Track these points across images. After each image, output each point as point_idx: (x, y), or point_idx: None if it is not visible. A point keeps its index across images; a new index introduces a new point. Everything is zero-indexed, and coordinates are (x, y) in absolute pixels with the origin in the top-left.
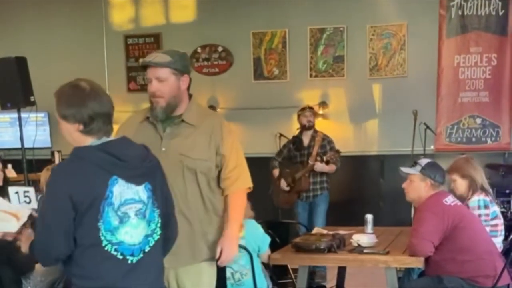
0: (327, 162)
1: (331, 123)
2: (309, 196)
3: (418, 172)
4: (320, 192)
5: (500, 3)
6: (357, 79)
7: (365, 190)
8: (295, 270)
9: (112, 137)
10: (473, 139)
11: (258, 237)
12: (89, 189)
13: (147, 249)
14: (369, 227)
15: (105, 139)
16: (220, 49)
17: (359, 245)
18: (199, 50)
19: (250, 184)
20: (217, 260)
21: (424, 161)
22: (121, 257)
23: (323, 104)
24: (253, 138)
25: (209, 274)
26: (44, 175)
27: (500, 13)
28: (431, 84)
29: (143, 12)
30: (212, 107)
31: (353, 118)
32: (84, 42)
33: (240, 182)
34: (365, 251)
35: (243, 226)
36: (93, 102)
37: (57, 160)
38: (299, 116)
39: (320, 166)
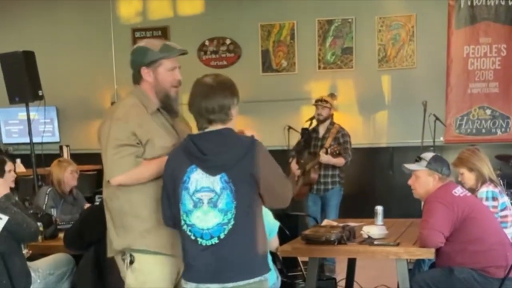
0: (333, 154)
1: (340, 115)
2: (320, 189)
3: (425, 168)
4: (332, 186)
5: None
6: (366, 71)
7: (375, 182)
8: (305, 263)
9: (217, 127)
10: (483, 130)
11: (269, 223)
12: (172, 172)
13: (222, 236)
14: (379, 218)
15: (202, 130)
16: (228, 41)
17: (369, 237)
18: (206, 43)
19: None
20: None
21: (428, 155)
22: (193, 238)
23: (331, 96)
24: (262, 131)
25: None
26: (56, 169)
27: (510, 3)
28: (441, 75)
29: (150, 5)
30: None
31: (362, 110)
32: (91, 36)
33: None
34: (375, 242)
35: None
36: (200, 97)
37: (65, 154)
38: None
39: (325, 158)
